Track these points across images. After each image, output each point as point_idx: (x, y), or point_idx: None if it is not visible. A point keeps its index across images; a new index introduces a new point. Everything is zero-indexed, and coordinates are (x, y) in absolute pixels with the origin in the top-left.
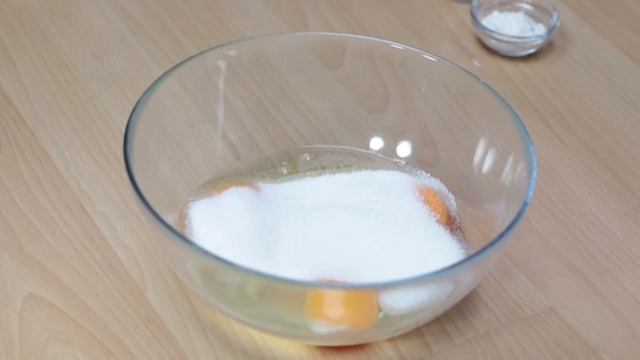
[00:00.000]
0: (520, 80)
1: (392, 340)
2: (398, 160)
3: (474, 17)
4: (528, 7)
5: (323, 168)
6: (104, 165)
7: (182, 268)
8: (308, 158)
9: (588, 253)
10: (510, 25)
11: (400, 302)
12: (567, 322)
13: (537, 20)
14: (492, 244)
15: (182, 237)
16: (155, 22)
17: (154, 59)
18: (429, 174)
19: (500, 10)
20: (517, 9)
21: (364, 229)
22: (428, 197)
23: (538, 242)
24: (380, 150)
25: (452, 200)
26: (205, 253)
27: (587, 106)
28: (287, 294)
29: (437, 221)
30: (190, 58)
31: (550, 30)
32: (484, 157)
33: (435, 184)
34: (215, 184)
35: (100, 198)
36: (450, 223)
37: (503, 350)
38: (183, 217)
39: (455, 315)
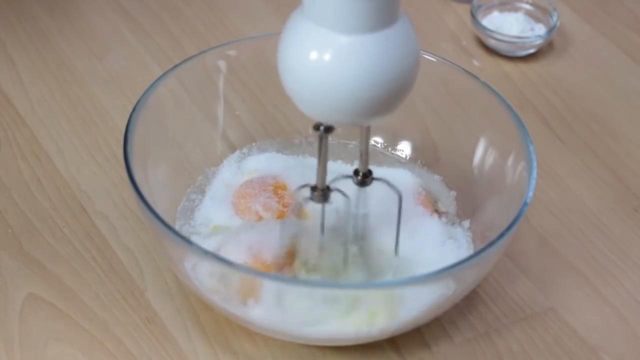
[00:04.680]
0: (520, 80)
1: (392, 340)
2: (399, 159)
3: (474, 17)
4: (528, 7)
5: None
6: (104, 165)
7: (182, 268)
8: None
9: (588, 253)
10: (510, 25)
11: (401, 301)
12: (567, 322)
13: (537, 20)
14: (492, 244)
15: (182, 237)
16: (155, 21)
17: (154, 59)
18: (434, 175)
19: (500, 10)
20: (517, 9)
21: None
22: (425, 202)
23: (538, 242)
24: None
25: (451, 199)
26: (206, 253)
27: (587, 106)
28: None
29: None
30: (190, 58)
31: (550, 30)
32: (484, 157)
33: (436, 182)
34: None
35: (100, 198)
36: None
37: (503, 350)
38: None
39: (455, 315)
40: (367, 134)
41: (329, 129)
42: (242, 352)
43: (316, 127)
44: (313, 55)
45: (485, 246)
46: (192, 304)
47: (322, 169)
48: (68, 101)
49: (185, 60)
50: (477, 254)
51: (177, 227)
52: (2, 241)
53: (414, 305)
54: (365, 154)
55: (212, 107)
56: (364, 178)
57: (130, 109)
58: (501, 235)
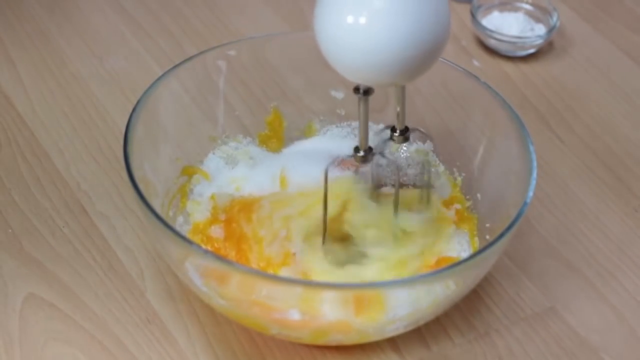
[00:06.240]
0: (520, 80)
1: (392, 340)
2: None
3: (474, 17)
4: (528, 7)
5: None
6: (104, 165)
7: (182, 268)
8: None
9: (588, 253)
10: (510, 25)
11: (401, 301)
12: (567, 322)
13: (537, 20)
14: (492, 244)
15: (182, 237)
16: (155, 21)
17: (154, 59)
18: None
19: (500, 10)
20: (517, 9)
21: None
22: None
23: (538, 242)
24: None
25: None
26: (205, 253)
27: (587, 106)
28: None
29: None
30: (190, 58)
31: (550, 30)
32: (484, 158)
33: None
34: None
35: (100, 198)
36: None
37: (503, 350)
38: None
39: (455, 315)
40: (402, 93)
41: (367, 92)
42: (242, 352)
43: (356, 89)
44: (349, 19)
45: (485, 246)
46: (192, 304)
47: (364, 131)
48: (68, 101)
49: (185, 60)
50: (477, 254)
51: (176, 226)
52: (2, 241)
53: (413, 304)
54: (402, 113)
55: (212, 107)
56: (403, 133)
57: (130, 109)
58: (501, 235)
